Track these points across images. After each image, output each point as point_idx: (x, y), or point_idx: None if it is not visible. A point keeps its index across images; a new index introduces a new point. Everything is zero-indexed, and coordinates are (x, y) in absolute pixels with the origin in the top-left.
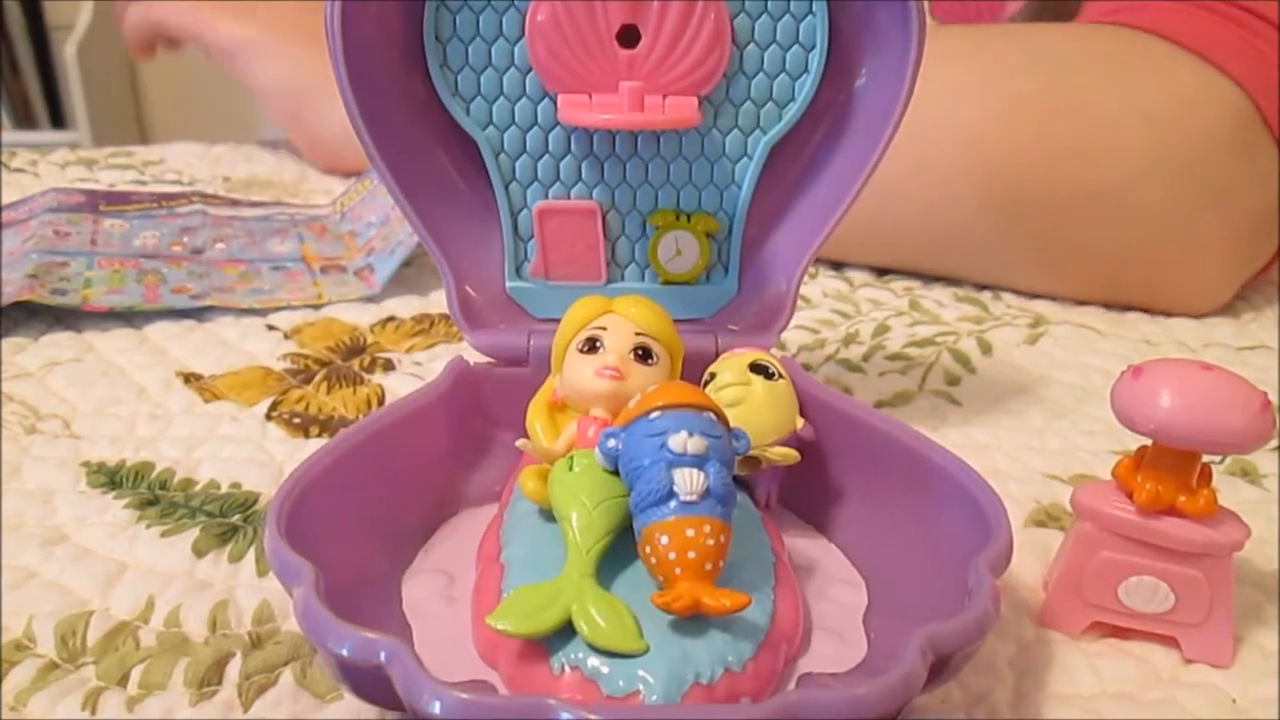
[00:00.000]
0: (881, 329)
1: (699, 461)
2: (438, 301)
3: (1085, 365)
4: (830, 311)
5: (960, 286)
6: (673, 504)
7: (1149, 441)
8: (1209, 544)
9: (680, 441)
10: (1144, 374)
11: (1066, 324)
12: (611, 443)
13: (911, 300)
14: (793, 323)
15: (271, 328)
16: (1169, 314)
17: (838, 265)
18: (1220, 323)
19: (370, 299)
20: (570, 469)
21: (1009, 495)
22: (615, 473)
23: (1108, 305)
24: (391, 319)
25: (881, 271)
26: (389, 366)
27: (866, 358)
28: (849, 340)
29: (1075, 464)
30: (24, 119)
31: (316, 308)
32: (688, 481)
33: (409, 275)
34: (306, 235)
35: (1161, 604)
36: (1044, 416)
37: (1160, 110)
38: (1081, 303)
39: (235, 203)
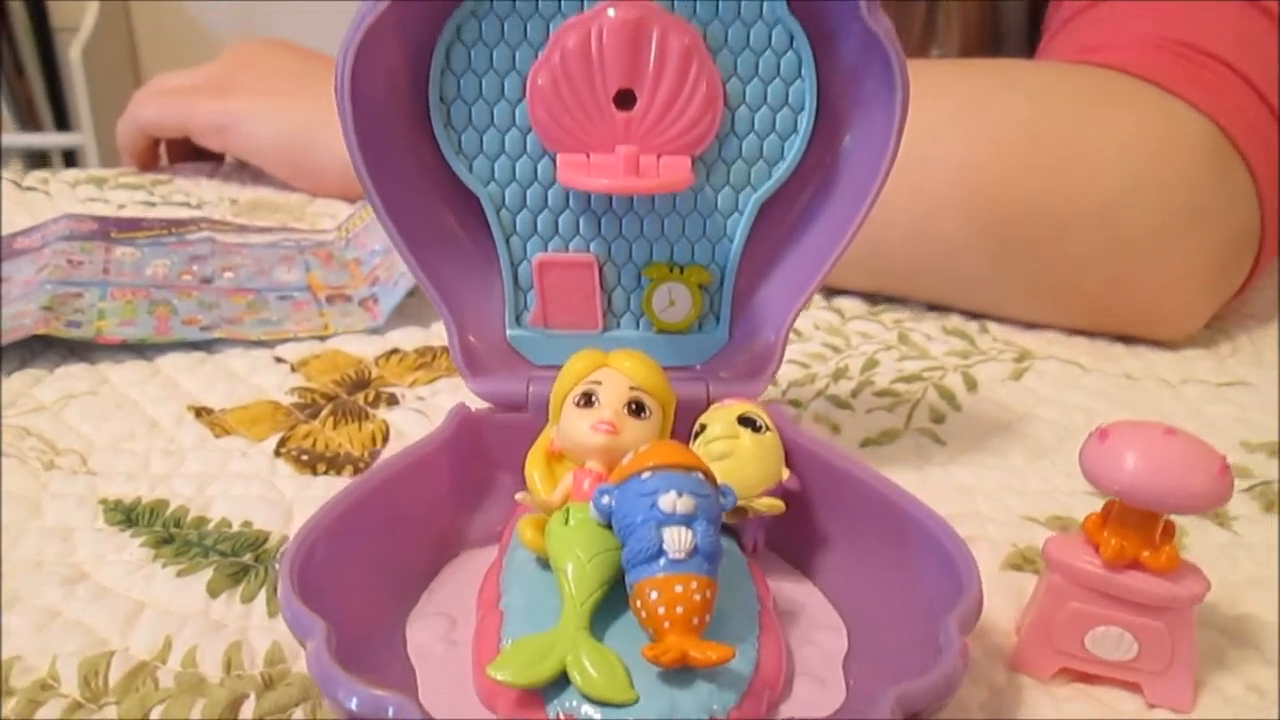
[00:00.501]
0: (870, 364)
1: (687, 520)
2: (439, 333)
3: (1067, 403)
4: (821, 345)
5: (949, 318)
6: (662, 561)
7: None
8: (1171, 598)
9: (670, 501)
10: (1110, 437)
11: (1051, 359)
12: (605, 500)
13: (900, 333)
14: (784, 358)
15: (279, 360)
16: (1152, 339)
17: (829, 293)
18: (1199, 356)
19: (374, 330)
20: (566, 522)
21: (988, 538)
22: (609, 526)
23: (1092, 334)
24: (395, 351)
25: (872, 300)
26: (393, 401)
27: (855, 394)
28: (838, 375)
29: (1053, 505)
30: (28, 121)
31: (322, 339)
32: (676, 540)
33: (411, 305)
34: (313, 263)
35: (1126, 652)
36: (1025, 456)
37: (1136, 140)
38: (1068, 332)
39: (243, 229)
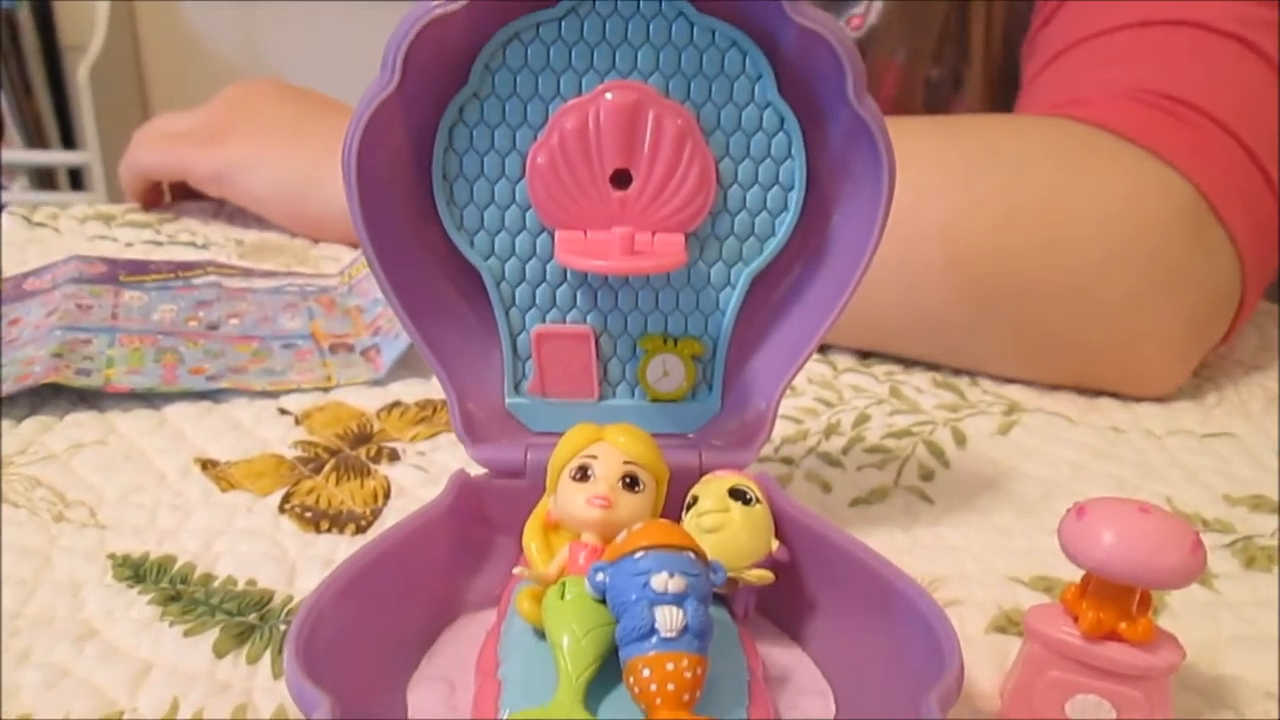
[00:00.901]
0: (862, 418)
1: (679, 599)
2: (439, 385)
3: (1054, 457)
4: (813, 400)
5: (939, 371)
6: (654, 639)
7: None
8: (1147, 668)
9: (662, 581)
10: (1087, 514)
11: (1039, 411)
12: (600, 577)
13: (892, 386)
14: (779, 412)
15: (284, 411)
16: (1135, 397)
17: (821, 348)
18: (1185, 408)
19: (376, 381)
20: (562, 596)
21: (974, 601)
22: (603, 601)
23: (1079, 390)
24: (397, 404)
25: (864, 354)
26: (394, 457)
27: (846, 450)
28: (830, 431)
29: (1037, 565)
30: (35, 138)
31: (325, 390)
32: (668, 619)
33: (412, 356)
34: (316, 310)
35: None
36: (1012, 514)
37: (1114, 205)
38: (1055, 387)
39: (248, 273)
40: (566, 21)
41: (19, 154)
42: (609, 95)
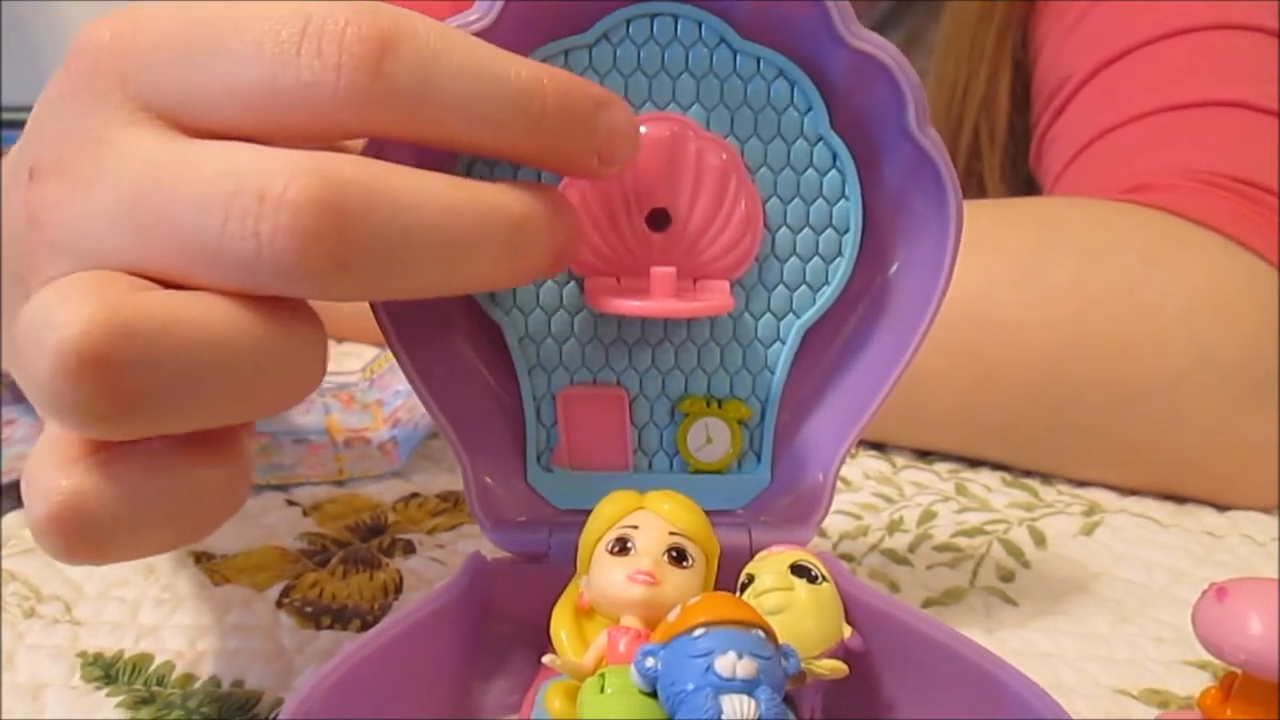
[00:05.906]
0: (928, 515)
1: (749, 687)
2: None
3: (1147, 561)
4: (872, 495)
5: (1009, 470)
6: None
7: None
8: None
9: (729, 664)
10: (1230, 596)
11: (1124, 513)
12: (650, 662)
13: (958, 484)
14: (833, 508)
15: (291, 503)
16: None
17: (878, 445)
18: None
19: (395, 474)
20: (601, 690)
21: (1077, 714)
22: (653, 694)
23: (1164, 494)
24: (415, 495)
25: (924, 452)
26: (409, 549)
27: (913, 548)
28: (893, 528)
29: (1146, 676)
30: None
31: (339, 483)
32: (738, 710)
33: (437, 448)
34: (333, 405)
35: None
36: (1108, 620)
37: (1200, 301)
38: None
39: None
40: (598, 49)
41: None
42: (644, 128)
